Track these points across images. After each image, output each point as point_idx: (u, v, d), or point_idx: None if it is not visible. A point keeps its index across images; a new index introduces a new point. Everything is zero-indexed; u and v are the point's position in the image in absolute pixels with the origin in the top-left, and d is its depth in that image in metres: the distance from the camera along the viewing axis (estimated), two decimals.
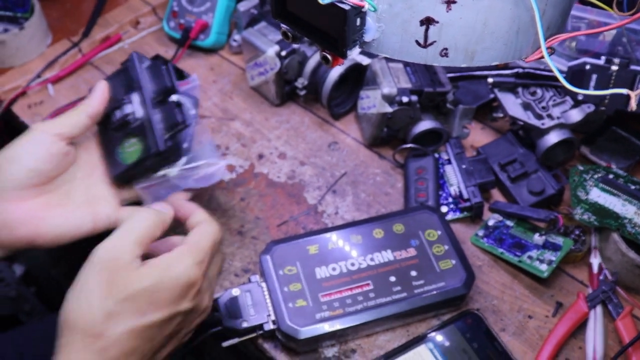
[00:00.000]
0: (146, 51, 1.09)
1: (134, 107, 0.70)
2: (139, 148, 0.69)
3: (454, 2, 0.42)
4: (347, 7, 0.41)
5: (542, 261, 0.76)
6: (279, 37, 0.91)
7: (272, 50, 0.90)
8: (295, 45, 0.91)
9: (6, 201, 0.62)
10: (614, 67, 0.79)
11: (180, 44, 1.05)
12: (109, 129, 0.71)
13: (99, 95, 0.69)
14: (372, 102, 0.86)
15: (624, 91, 0.40)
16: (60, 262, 1.44)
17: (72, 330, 0.52)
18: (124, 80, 0.71)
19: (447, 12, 0.43)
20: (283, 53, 0.90)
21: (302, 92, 0.94)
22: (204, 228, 0.61)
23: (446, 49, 0.45)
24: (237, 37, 1.06)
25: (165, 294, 0.53)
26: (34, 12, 1.04)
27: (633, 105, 0.40)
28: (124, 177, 0.71)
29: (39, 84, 1.03)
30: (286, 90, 0.96)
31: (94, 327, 0.50)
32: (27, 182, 0.63)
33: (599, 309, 0.74)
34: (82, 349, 0.51)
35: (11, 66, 1.05)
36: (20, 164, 0.62)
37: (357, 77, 0.94)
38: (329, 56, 0.45)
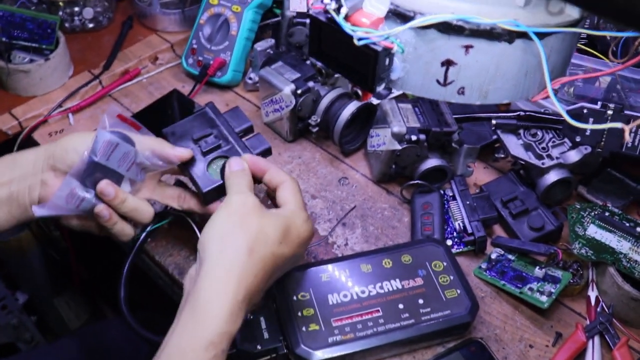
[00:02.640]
0: (164, 86, 1.14)
1: (221, 138, 0.81)
2: None
3: (472, 47, 0.47)
4: (379, 49, 0.46)
5: (542, 293, 0.80)
6: (295, 76, 0.96)
7: (288, 89, 0.95)
8: (310, 84, 0.96)
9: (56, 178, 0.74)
10: (610, 112, 0.85)
11: (198, 80, 1.10)
12: (197, 154, 0.80)
13: (183, 152, 0.77)
14: (381, 140, 0.91)
15: (619, 125, 0.45)
16: (63, 291, 1.46)
17: (215, 259, 0.63)
18: (203, 120, 0.83)
19: (466, 55, 0.48)
20: (299, 91, 0.95)
21: (315, 130, 0.98)
22: (293, 186, 0.73)
23: (463, 87, 0.50)
24: (252, 75, 1.11)
25: (293, 237, 0.67)
26: (58, 45, 1.10)
27: (627, 137, 0.45)
28: (214, 192, 0.78)
29: (59, 113, 1.08)
30: (299, 127, 1.01)
31: (240, 255, 0.63)
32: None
33: (596, 339, 0.78)
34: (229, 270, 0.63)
35: (34, 95, 1.10)
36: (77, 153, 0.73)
37: (368, 116, 0.99)
38: (359, 91, 0.50)
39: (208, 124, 0.82)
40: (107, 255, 0.77)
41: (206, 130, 0.81)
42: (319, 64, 0.52)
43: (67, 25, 1.21)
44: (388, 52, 0.46)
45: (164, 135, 0.81)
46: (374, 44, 0.46)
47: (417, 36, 0.48)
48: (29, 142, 1.06)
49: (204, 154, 0.79)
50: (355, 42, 0.45)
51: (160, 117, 1.08)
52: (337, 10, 0.45)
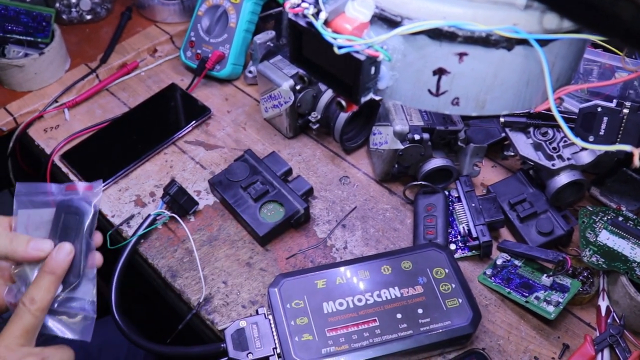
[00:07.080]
0: (162, 79, 1.11)
1: (266, 184, 0.88)
2: (281, 210, 0.86)
3: (466, 54, 0.43)
4: (362, 58, 0.42)
5: (549, 302, 0.76)
6: (294, 71, 0.92)
7: (286, 84, 0.91)
8: None
9: None
10: (625, 111, 0.79)
11: (197, 74, 1.07)
12: (247, 200, 0.87)
13: (41, 247, 0.65)
14: (384, 138, 0.87)
15: (628, 148, 0.41)
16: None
17: None
18: (246, 167, 0.89)
19: (459, 63, 0.44)
20: (298, 87, 0.91)
21: (315, 126, 0.95)
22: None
23: (457, 98, 0.46)
24: (252, 68, 1.07)
25: None
26: (54, 38, 1.07)
27: (636, 162, 0.41)
28: (270, 234, 0.85)
29: (55, 108, 1.05)
30: (299, 123, 0.97)
31: None
32: None
33: (606, 352, 0.74)
34: None
35: (29, 90, 1.07)
36: None
37: (370, 112, 0.95)
38: (343, 102, 0.46)
39: (251, 170, 0.89)
40: (106, 249, 0.74)
41: (252, 178, 0.88)
42: (301, 71, 0.48)
43: (64, 17, 1.18)
44: (373, 60, 0.42)
45: (212, 185, 0.86)
46: (357, 52, 0.42)
47: (406, 42, 0.44)
48: (24, 138, 1.04)
49: (255, 200, 0.86)
50: (336, 50, 0.41)
51: (159, 111, 1.05)
52: (316, 15, 0.42)
